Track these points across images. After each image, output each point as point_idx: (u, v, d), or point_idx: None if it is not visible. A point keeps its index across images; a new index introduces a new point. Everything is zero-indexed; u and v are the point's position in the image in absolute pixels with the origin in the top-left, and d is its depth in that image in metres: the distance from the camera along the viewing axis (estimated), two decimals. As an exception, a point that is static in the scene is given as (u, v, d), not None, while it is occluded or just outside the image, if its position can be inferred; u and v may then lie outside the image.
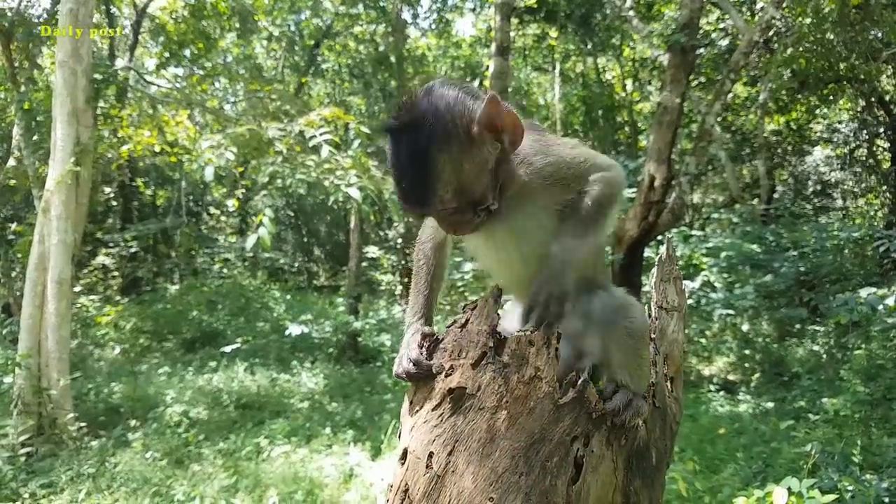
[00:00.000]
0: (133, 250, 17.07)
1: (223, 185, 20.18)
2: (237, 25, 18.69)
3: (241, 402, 9.61)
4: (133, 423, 8.21)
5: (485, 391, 1.61)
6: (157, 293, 16.42)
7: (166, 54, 17.79)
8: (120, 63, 16.78)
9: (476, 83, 20.89)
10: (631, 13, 14.23)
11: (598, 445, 1.64)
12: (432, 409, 1.65)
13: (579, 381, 1.63)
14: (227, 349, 11.48)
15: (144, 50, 20.47)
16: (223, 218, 23.26)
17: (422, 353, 1.74)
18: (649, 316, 2.15)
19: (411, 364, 1.71)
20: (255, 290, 16.90)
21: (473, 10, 21.03)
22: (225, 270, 18.71)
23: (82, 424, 7.71)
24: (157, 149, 12.67)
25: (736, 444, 7.70)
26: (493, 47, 12.16)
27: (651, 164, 10.51)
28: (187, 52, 17.89)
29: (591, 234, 1.76)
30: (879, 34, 12.56)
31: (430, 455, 1.59)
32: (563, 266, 1.69)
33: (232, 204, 20.55)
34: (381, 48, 20.68)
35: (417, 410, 1.70)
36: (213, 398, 9.66)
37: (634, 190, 11.18)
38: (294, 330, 11.83)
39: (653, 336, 2.11)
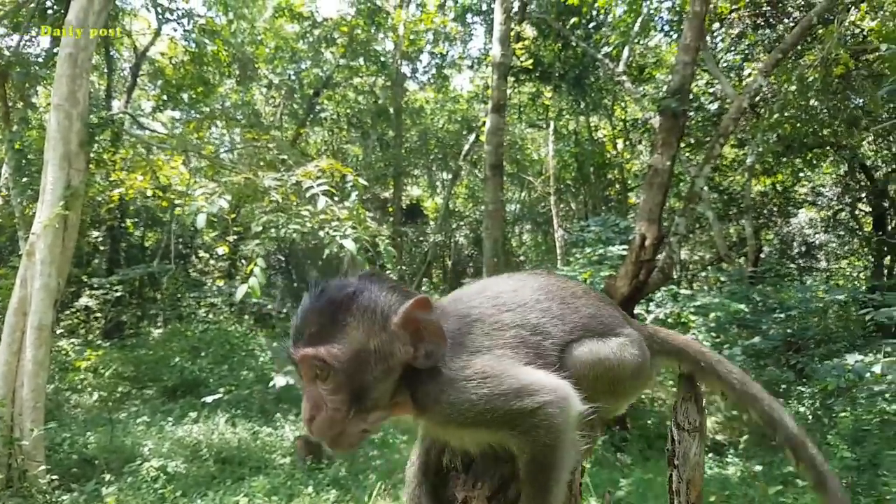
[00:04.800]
0: (119, 294, 16.81)
1: (214, 228, 20.22)
2: (237, 72, 19.00)
3: (221, 456, 9.22)
4: (107, 476, 7.84)
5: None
6: (139, 337, 15.95)
7: (164, 97, 18.03)
8: (116, 105, 16.95)
9: (472, 137, 21.37)
10: (623, 77, 14.70)
11: None
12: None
13: None
14: (209, 399, 10.86)
15: (142, 92, 20.71)
16: (212, 262, 23.10)
17: None
18: (672, 440, 2.11)
19: None
20: (240, 337, 16.39)
21: (471, 66, 21.61)
22: (210, 315, 18.27)
23: (54, 477, 7.36)
24: (150, 193, 12.61)
25: (723, 508, 7.71)
26: (490, 105, 12.51)
27: (642, 223, 10.70)
28: (185, 97, 18.13)
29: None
30: (860, 102, 13.05)
31: None
32: None
33: (222, 250, 20.46)
34: (381, 100, 21.08)
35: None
36: (193, 451, 9.27)
37: (626, 248, 11.38)
38: (279, 381, 11.63)
39: (675, 462, 2.08)
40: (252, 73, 19.56)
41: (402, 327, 1.62)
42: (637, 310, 11.95)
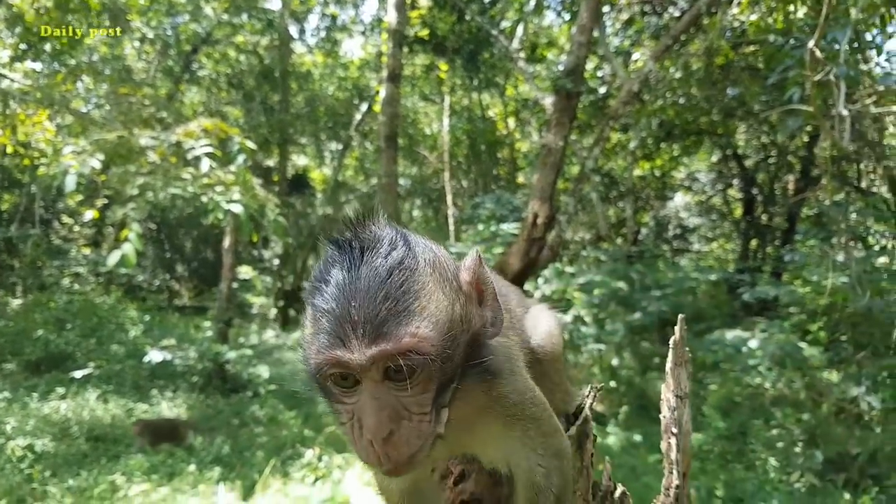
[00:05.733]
0: None
1: (81, 192, 18.68)
2: (107, 23, 17.54)
3: (93, 434, 8.75)
4: None
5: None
6: None
7: (23, 46, 16.37)
8: (-32, 52, 15.20)
9: (364, 107, 20.82)
10: (521, 54, 14.71)
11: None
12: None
13: (616, 494, 1.57)
14: (78, 374, 10.57)
15: (-1, 40, 18.70)
16: (76, 228, 21.51)
17: None
18: (668, 408, 2.05)
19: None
20: (108, 309, 15.45)
21: (363, 32, 20.99)
22: (76, 286, 17.19)
23: None
24: (9, 150, 11.64)
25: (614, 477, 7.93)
26: (385, 73, 12.12)
27: (535, 202, 10.79)
28: (48, 47, 16.54)
29: None
30: (736, 93, 13.75)
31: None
32: None
33: (91, 214, 19.06)
34: (266, 61, 20.09)
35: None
36: (62, 429, 8.76)
37: (518, 226, 11.47)
38: (154, 357, 11.00)
39: (674, 431, 1.99)
40: (124, 24, 18.11)
41: (473, 286, 1.35)
42: (526, 286, 12.11)
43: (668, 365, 2.09)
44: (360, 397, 1.22)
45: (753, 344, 7.33)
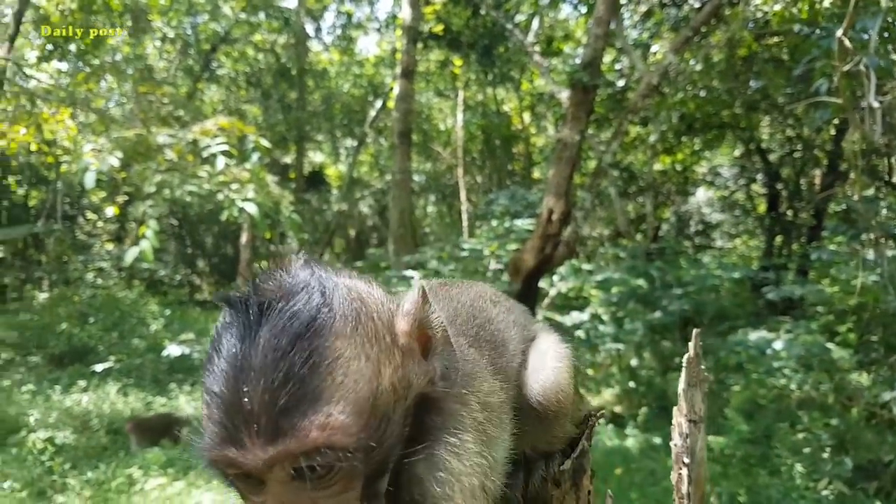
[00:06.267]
0: (0, 255, 15.62)
1: (102, 188, 18.89)
2: (129, 23, 17.69)
3: (112, 427, 8.86)
4: None
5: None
6: (23, 302, 15.39)
7: (49, 47, 16.57)
8: (-2, 53, 15.44)
9: (378, 103, 20.70)
10: (536, 48, 14.46)
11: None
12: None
13: None
14: (99, 367, 10.72)
15: (26, 41, 18.99)
16: (100, 224, 21.82)
17: None
18: (679, 435, 1.84)
19: None
20: (130, 304, 15.60)
21: (378, 29, 20.90)
22: (99, 280, 17.39)
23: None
24: (34, 147, 11.83)
25: (628, 481, 7.72)
26: (399, 69, 11.97)
27: (550, 197, 10.56)
28: (73, 47, 16.75)
29: None
30: (760, 86, 13.39)
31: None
32: None
33: (111, 211, 19.34)
34: (283, 59, 20.11)
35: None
36: (82, 421, 8.91)
37: (533, 222, 11.25)
38: (173, 350, 11.05)
39: (685, 461, 1.78)
40: (145, 24, 18.32)
41: (415, 337, 1.07)
42: (541, 283, 11.89)
43: (681, 386, 1.87)
44: (266, 496, 0.96)
45: (778, 345, 7.05)
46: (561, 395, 1.45)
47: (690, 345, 1.93)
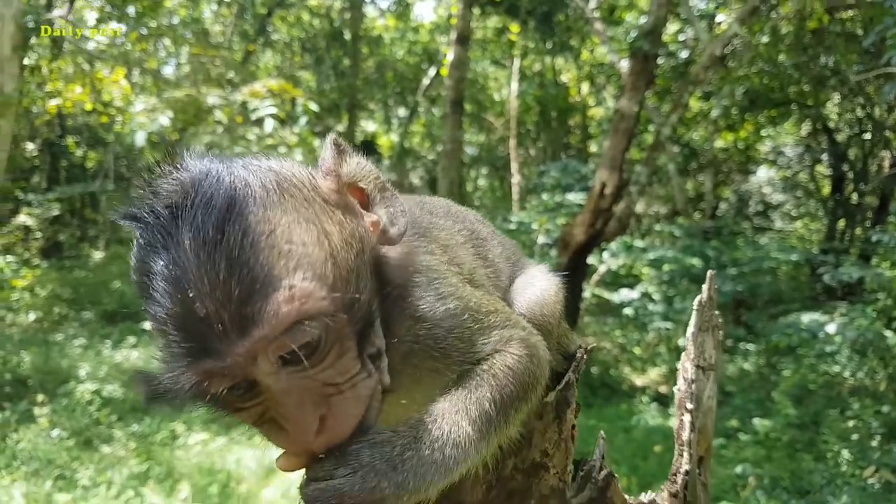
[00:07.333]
0: (57, 212, 16.17)
1: (157, 151, 19.35)
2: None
3: None
4: (41, 397, 7.61)
5: (463, 484, 1.09)
6: (79, 259, 15.68)
7: (108, 9, 16.91)
8: (57, 13, 15.80)
9: (433, 72, 20.54)
10: (596, 14, 14.08)
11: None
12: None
13: (600, 474, 1.29)
14: (148, 325, 10.80)
15: (86, 2, 19.42)
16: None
17: None
18: (684, 379, 1.75)
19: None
20: (185, 263, 16.19)
21: (435, -6, 20.67)
22: (154, 240, 17.93)
23: (-16, 395, 7.12)
24: (89, 107, 12.12)
25: (669, 459, 7.60)
26: (454, 35, 11.82)
27: (603, 170, 10.36)
28: (131, 10, 17.06)
29: (486, 437, 1.05)
30: (829, 62, 12.79)
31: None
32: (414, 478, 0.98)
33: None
34: (337, 24, 20.10)
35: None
36: (131, 377, 9.04)
37: (585, 195, 11.05)
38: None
39: (689, 406, 1.69)
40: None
41: (344, 189, 1.04)
42: (590, 260, 11.72)
43: (690, 330, 1.76)
44: (263, 396, 0.93)
45: (831, 328, 6.77)
46: (546, 309, 1.43)
47: (704, 287, 1.84)
